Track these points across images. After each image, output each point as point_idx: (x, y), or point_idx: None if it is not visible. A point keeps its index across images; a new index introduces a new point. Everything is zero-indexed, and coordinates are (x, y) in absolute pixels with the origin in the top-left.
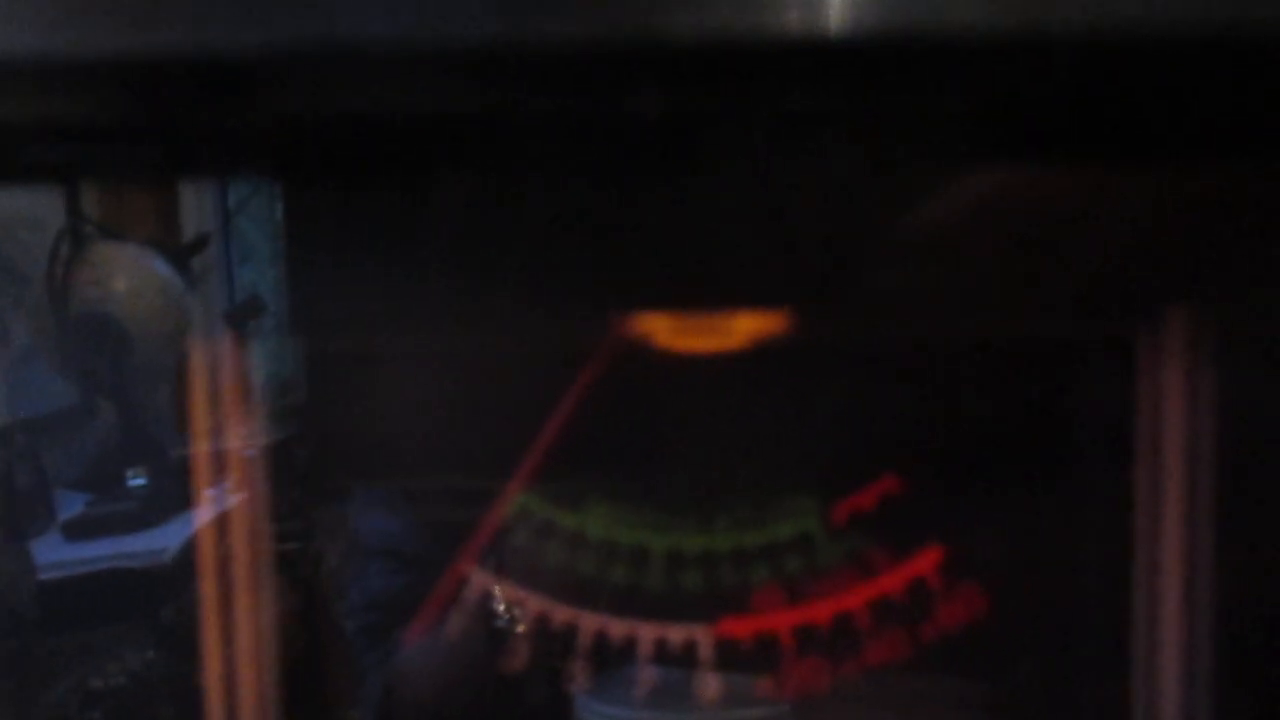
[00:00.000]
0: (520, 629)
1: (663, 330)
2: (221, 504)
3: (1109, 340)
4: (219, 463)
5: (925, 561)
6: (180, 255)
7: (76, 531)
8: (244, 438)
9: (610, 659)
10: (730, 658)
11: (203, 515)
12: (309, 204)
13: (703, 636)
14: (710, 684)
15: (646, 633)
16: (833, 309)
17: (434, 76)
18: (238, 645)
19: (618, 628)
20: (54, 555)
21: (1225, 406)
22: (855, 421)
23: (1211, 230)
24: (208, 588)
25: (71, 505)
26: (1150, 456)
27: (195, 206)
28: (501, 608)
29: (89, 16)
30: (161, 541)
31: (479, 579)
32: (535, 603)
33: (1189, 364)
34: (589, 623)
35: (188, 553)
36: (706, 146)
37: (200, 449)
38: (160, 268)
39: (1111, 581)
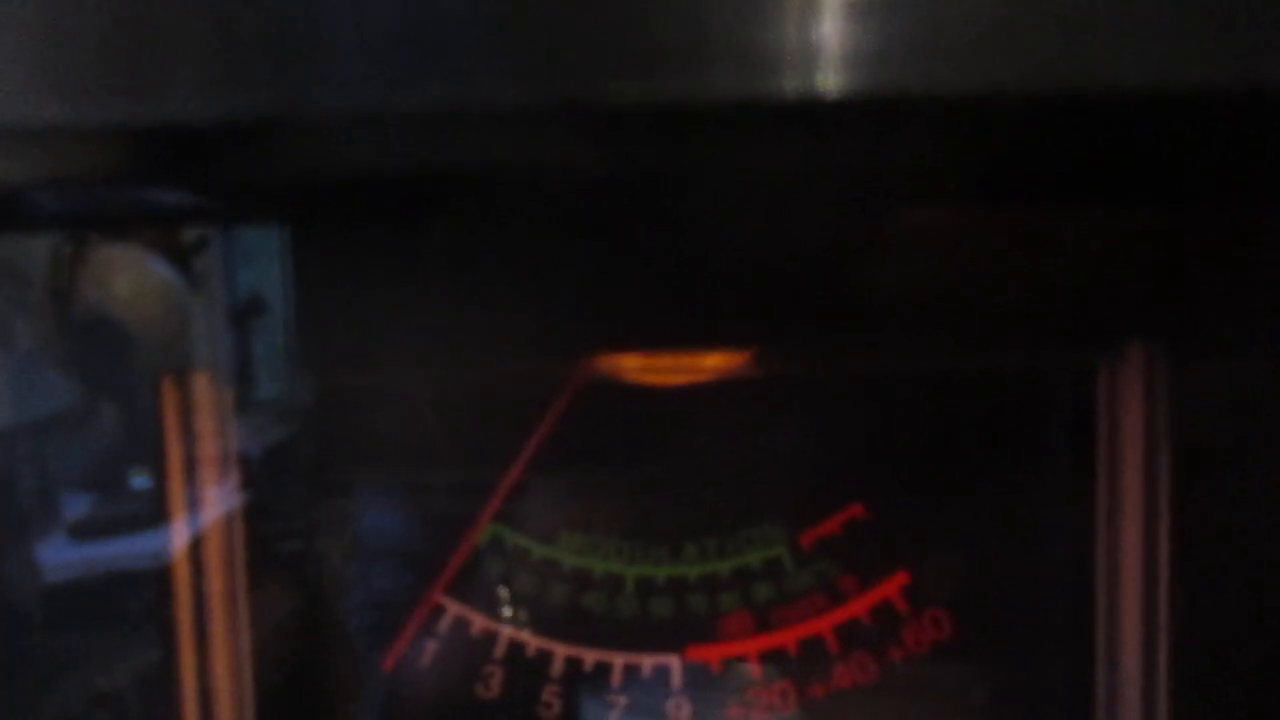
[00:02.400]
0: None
1: (633, 365)
2: (222, 505)
3: (1070, 372)
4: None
5: (891, 587)
6: (181, 256)
7: (82, 532)
8: (241, 441)
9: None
10: (701, 682)
11: (195, 517)
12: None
13: (673, 662)
14: (684, 707)
15: (618, 660)
16: (799, 345)
17: (424, 137)
18: (215, 649)
19: (590, 655)
20: (60, 556)
21: (1180, 433)
22: (822, 451)
23: (1170, 269)
24: (182, 589)
25: (77, 506)
26: (1110, 481)
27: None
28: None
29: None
30: (169, 542)
31: (451, 608)
32: (507, 631)
33: (1146, 394)
34: (561, 650)
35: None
36: (680, 199)
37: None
38: (161, 268)
39: (1073, 598)
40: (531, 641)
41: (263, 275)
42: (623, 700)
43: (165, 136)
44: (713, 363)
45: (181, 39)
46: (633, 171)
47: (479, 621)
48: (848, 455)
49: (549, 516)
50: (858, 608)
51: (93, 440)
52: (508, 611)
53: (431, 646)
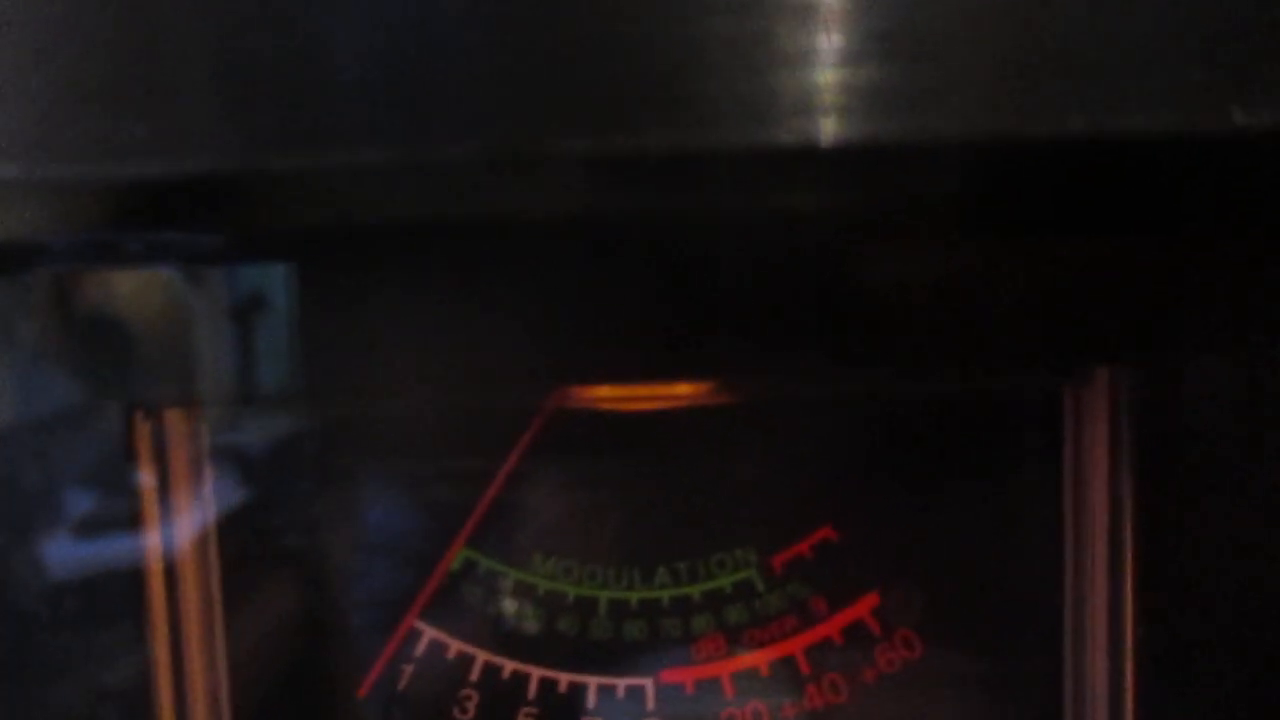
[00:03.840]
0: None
1: (603, 392)
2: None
3: (1037, 396)
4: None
5: (862, 608)
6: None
7: (86, 530)
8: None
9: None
10: (675, 704)
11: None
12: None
13: (647, 684)
14: None
15: (593, 681)
16: (767, 373)
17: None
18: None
19: (564, 677)
20: (64, 553)
21: (1144, 457)
22: (791, 475)
23: (1136, 295)
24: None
25: (80, 504)
26: (1076, 504)
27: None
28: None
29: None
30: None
31: (427, 632)
32: (482, 654)
33: (1111, 419)
34: (536, 673)
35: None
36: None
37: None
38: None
39: (1041, 618)
40: (507, 664)
41: (246, 305)
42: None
43: (162, 188)
44: (683, 389)
45: (184, 86)
46: (625, 215)
47: (454, 645)
48: (817, 479)
49: (522, 541)
50: (829, 628)
51: (96, 438)
52: (483, 634)
53: (407, 670)
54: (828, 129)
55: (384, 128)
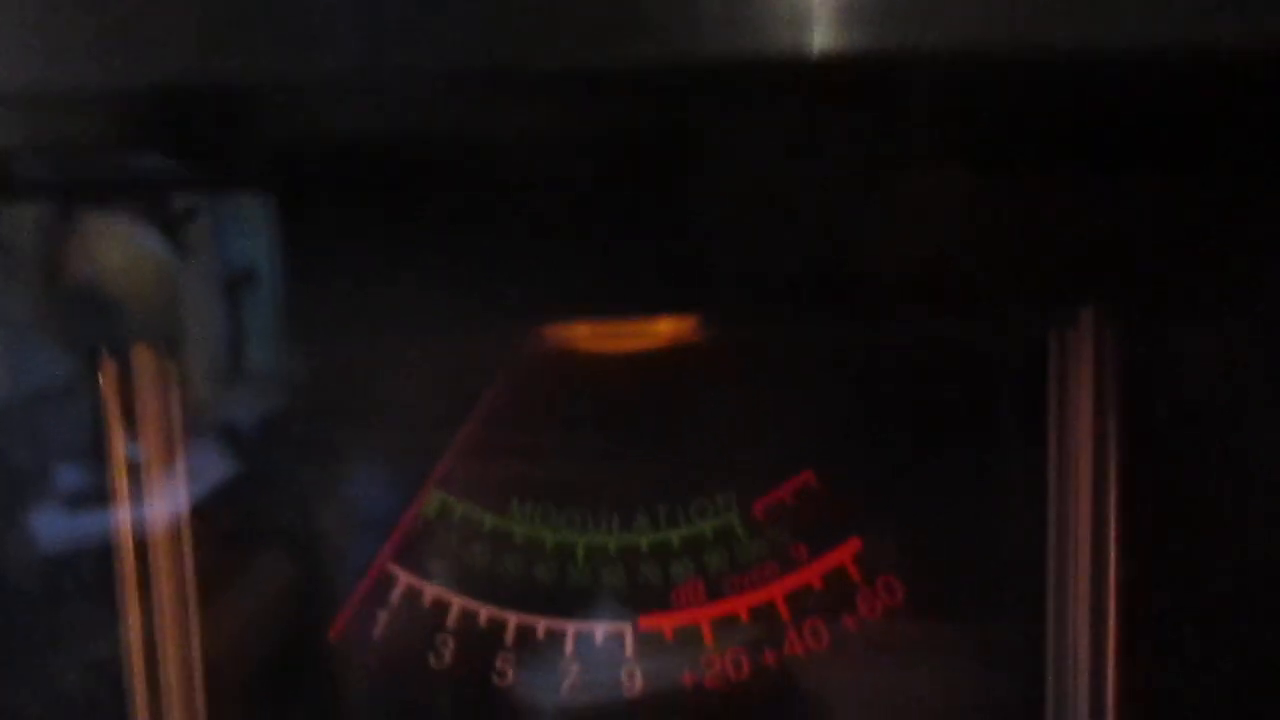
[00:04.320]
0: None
1: (583, 332)
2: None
3: (1022, 338)
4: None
5: (844, 554)
6: (172, 225)
7: (76, 503)
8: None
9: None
10: (654, 650)
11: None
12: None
13: (626, 631)
14: (636, 676)
15: (570, 628)
16: (751, 309)
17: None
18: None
19: (542, 623)
20: (55, 527)
21: (1128, 400)
22: (773, 419)
23: (1122, 236)
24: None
25: (70, 478)
26: (1060, 449)
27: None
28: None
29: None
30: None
31: (400, 576)
32: (458, 600)
33: (1096, 361)
34: (513, 619)
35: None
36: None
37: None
38: (152, 239)
39: (1024, 562)
40: (483, 610)
41: (242, 245)
42: (575, 668)
43: (153, 100)
44: (663, 328)
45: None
46: (623, 135)
47: (430, 591)
48: (799, 423)
49: (499, 485)
50: (810, 575)
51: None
52: (456, 579)
53: (383, 616)
54: (819, 40)
55: (359, 41)
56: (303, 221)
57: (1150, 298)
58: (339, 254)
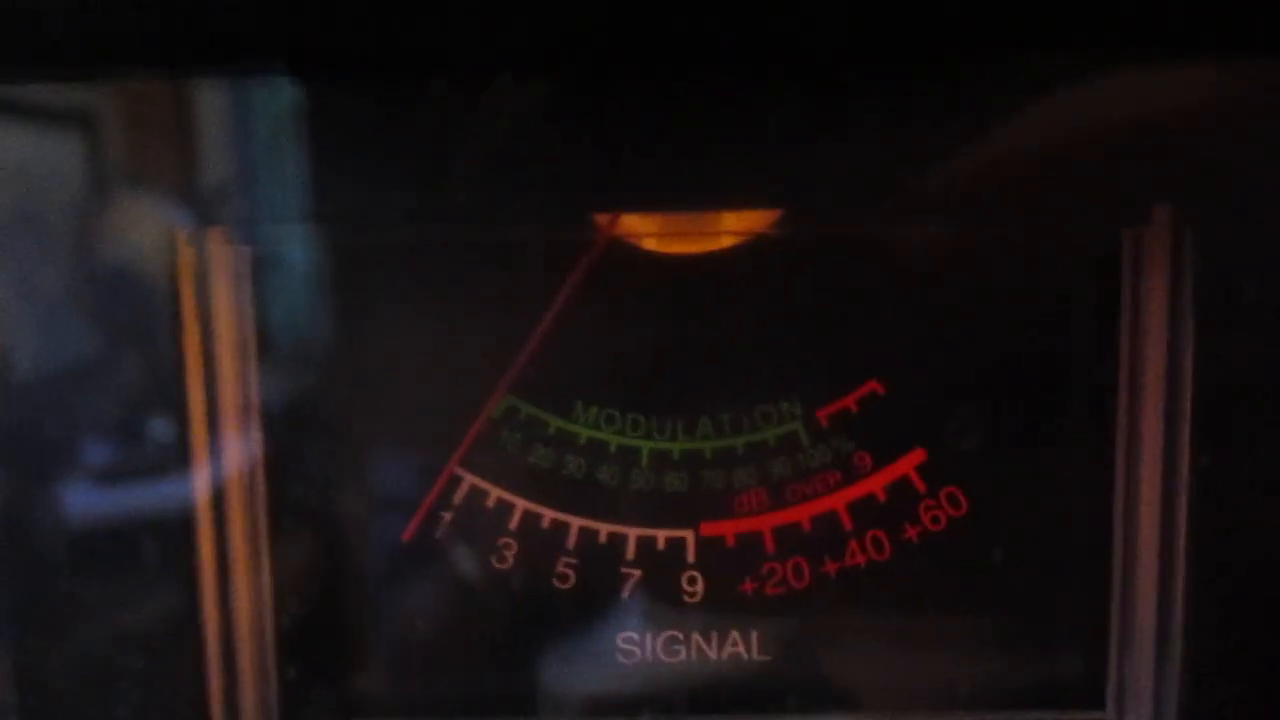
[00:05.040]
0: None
1: (650, 231)
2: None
3: (1097, 238)
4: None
5: (907, 464)
6: (201, 202)
7: (106, 477)
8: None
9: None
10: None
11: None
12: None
13: (687, 536)
14: (697, 581)
15: (632, 533)
16: (819, 213)
17: None
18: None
19: (604, 528)
20: (85, 501)
21: (1204, 298)
22: (840, 327)
23: (1194, 131)
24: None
25: (101, 452)
26: (1131, 348)
27: (215, 153)
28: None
29: None
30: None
31: (468, 479)
32: (522, 504)
33: (1172, 259)
34: (576, 523)
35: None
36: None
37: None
38: (181, 216)
39: (1091, 471)
40: (547, 514)
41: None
42: (637, 573)
43: None
44: (730, 226)
45: None
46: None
47: (494, 492)
48: (866, 331)
49: (564, 389)
50: (873, 485)
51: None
52: (523, 483)
53: (446, 517)
54: None
55: None
56: (364, 112)
57: (1227, 192)
58: (405, 144)
